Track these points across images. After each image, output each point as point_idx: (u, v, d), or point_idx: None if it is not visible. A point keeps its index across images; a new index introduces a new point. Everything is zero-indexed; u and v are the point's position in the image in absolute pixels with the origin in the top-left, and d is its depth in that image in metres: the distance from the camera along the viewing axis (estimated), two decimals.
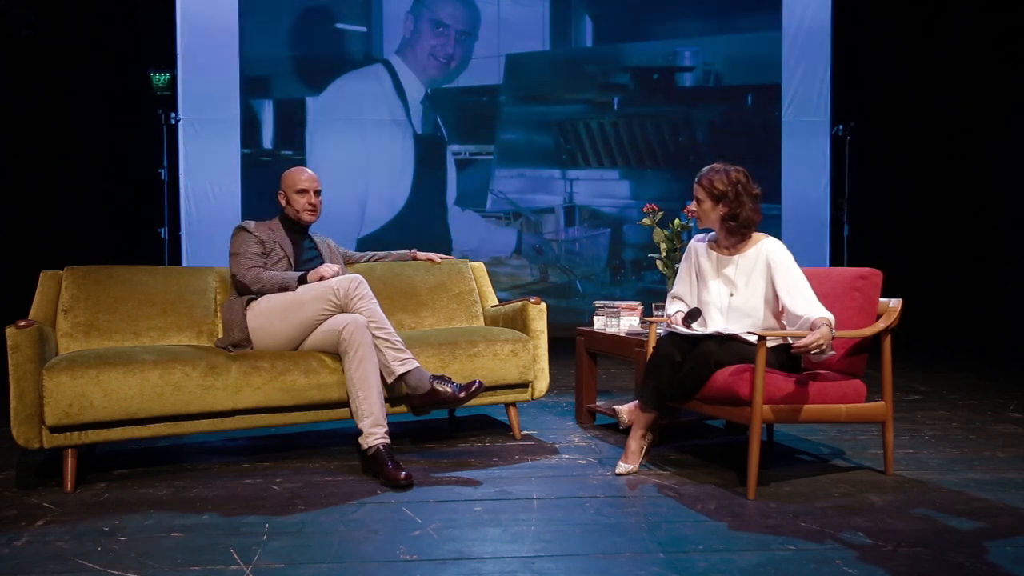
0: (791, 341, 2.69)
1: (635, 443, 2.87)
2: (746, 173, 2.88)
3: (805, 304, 2.70)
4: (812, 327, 2.60)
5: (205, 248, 6.96)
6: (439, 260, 3.77)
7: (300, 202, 3.27)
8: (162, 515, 2.43)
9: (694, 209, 2.94)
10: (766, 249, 2.86)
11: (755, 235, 2.92)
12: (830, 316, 2.65)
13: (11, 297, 4.33)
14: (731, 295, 2.89)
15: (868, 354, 2.83)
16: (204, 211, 7.02)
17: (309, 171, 3.34)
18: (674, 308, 3.04)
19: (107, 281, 3.15)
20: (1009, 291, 7.25)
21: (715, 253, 2.96)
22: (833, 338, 2.60)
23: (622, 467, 2.84)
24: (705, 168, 2.93)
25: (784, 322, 2.81)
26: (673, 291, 3.12)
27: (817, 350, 2.53)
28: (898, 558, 2.08)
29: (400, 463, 2.76)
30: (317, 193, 3.31)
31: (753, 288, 2.86)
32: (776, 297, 2.81)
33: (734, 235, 2.89)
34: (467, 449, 3.23)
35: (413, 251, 3.78)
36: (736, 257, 2.90)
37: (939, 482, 2.76)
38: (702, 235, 3.08)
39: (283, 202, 3.31)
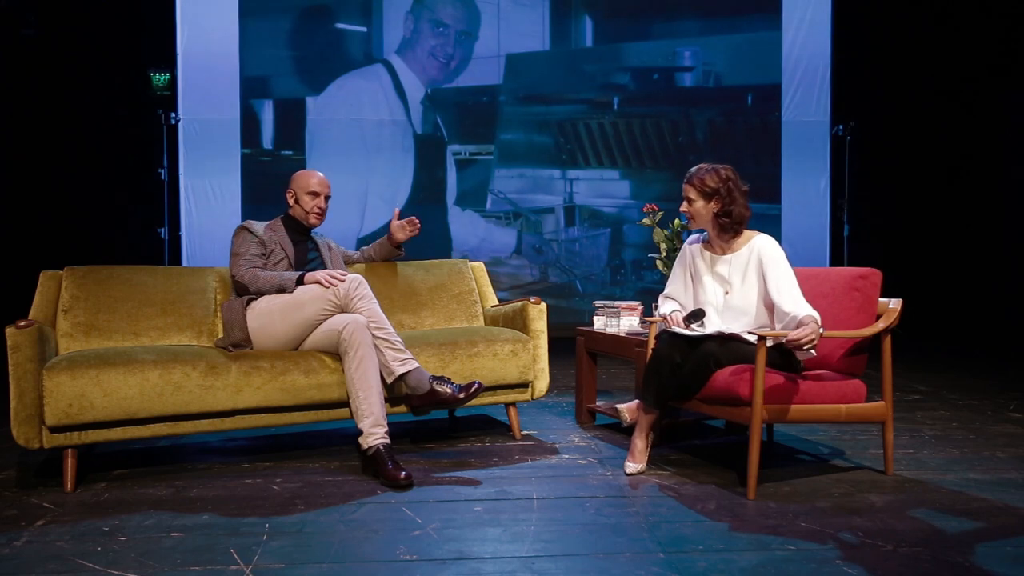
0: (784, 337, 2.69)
1: (640, 442, 2.87)
2: (734, 170, 2.91)
3: (792, 302, 2.71)
4: (799, 325, 2.61)
5: (205, 248, 6.97)
6: (413, 229, 3.56)
7: (310, 204, 3.26)
8: (162, 515, 2.43)
9: (686, 209, 2.94)
10: (758, 246, 2.87)
11: (747, 233, 2.93)
12: (816, 314, 2.66)
13: (11, 297, 4.33)
14: (726, 293, 2.90)
15: (868, 354, 2.83)
16: (204, 211, 7.02)
17: (322, 175, 3.32)
18: (670, 307, 3.03)
19: (107, 281, 3.15)
20: (1009, 291, 7.25)
21: (708, 253, 2.98)
22: (821, 335, 2.61)
23: (630, 467, 2.84)
24: (693, 168, 2.95)
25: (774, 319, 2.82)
26: (666, 291, 3.12)
27: (808, 346, 2.54)
28: (898, 558, 2.08)
29: (400, 463, 2.76)
30: (327, 198, 3.31)
31: (748, 286, 2.86)
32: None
33: (727, 232, 2.90)
34: (467, 449, 3.23)
35: (389, 235, 3.60)
36: (730, 256, 2.92)
37: (939, 482, 2.76)
38: (695, 236, 3.09)
39: (291, 201, 3.30)
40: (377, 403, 2.84)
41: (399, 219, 3.59)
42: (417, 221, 3.58)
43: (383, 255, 3.66)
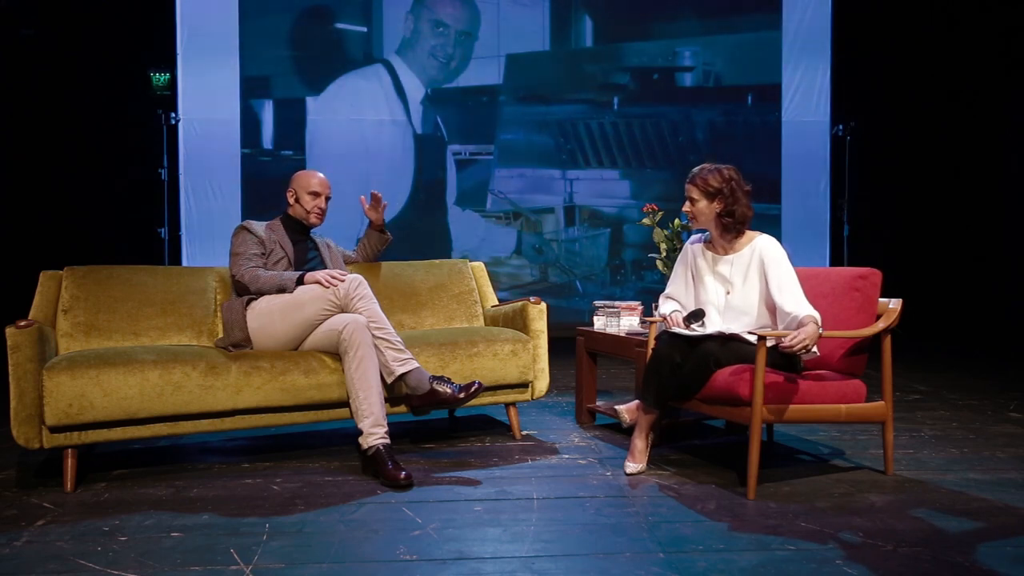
0: (780, 342, 2.69)
1: (640, 442, 2.87)
2: (737, 170, 2.91)
3: (793, 302, 2.72)
4: (799, 325, 2.61)
5: (205, 248, 6.97)
6: (377, 202, 3.51)
7: (311, 204, 3.26)
8: (162, 515, 2.43)
9: (688, 209, 2.94)
10: (760, 246, 2.87)
11: (748, 233, 2.93)
12: (816, 315, 2.66)
13: (11, 297, 4.33)
14: (727, 293, 2.90)
15: (868, 354, 2.83)
16: (204, 211, 7.03)
17: (323, 175, 3.32)
18: (670, 308, 3.03)
19: (107, 281, 3.15)
20: (1009, 291, 7.25)
21: (710, 253, 2.97)
22: (820, 336, 2.61)
23: (630, 467, 2.85)
24: (696, 168, 2.95)
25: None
26: (666, 291, 3.12)
27: (803, 349, 2.54)
28: (898, 558, 2.08)
29: (400, 463, 2.76)
30: (327, 199, 3.31)
31: (750, 286, 2.86)
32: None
33: (729, 232, 2.90)
34: (467, 449, 3.23)
35: (368, 225, 3.58)
36: (731, 256, 2.92)
37: (939, 482, 2.76)
38: (697, 236, 3.09)
39: (291, 200, 3.30)
40: (377, 403, 2.84)
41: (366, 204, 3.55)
42: (377, 193, 3.51)
43: (374, 244, 3.61)
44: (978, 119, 7.37)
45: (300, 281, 3.03)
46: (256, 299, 3.08)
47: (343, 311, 2.97)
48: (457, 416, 3.82)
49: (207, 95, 7.00)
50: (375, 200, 3.52)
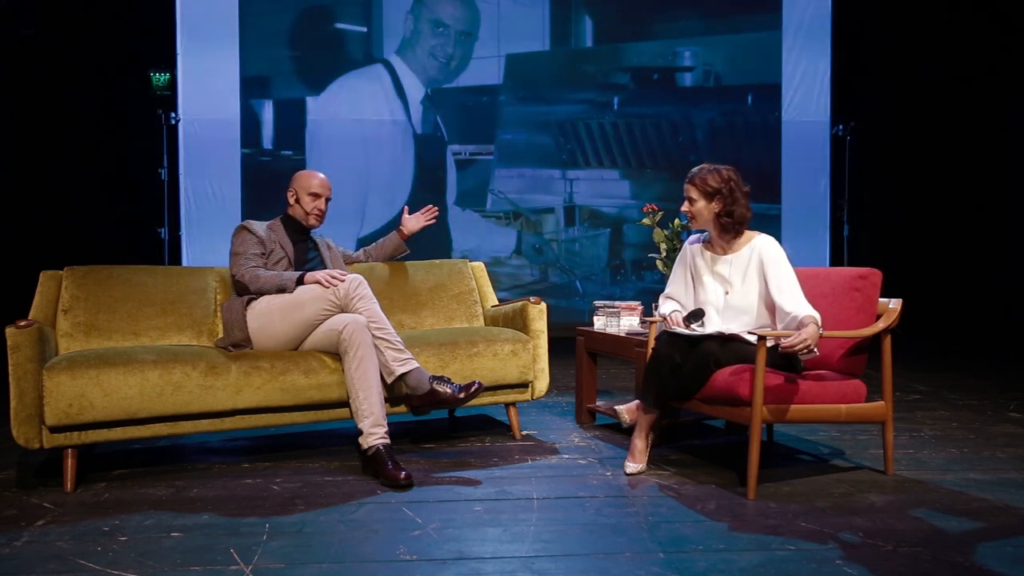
0: (780, 342, 2.69)
1: (640, 442, 2.87)
2: (736, 171, 2.92)
3: (793, 302, 2.72)
4: (800, 325, 2.61)
5: (205, 248, 6.97)
6: (430, 218, 3.65)
7: (310, 205, 3.27)
8: (162, 515, 2.43)
9: (687, 209, 2.95)
10: (759, 246, 2.88)
11: (748, 233, 2.94)
12: (816, 315, 2.66)
13: (11, 297, 4.33)
14: (726, 293, 2.90)
15: (868, 354, 2.83)
16: (204, 211, 7.03)
17: (324, 176, 3.32)
18: (670, 307, 3.03)
19: (107, 281, 3.15)
20: (1009, 291, 7.25)
21: (709, 253, 2.98)
22: (821, 336, 2.61)
23: (630, 467, 2.85)
24: (695, 168, 2.96)
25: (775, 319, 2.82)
26: (666, 291, 3.12)
27: (803, 350, 2.54)
28: (898, 558, 2.08)
29: (400, 463, 2.76)
30: (327, 200, 3.31)
31: (749, 286, 2.87)
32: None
33: (728, 232, 2.90)
34: (467, 449, 3.23)
35: (399, 228, 3.65)
36: (730, 256, 2.92)
37: (939, 482, 2.76)
38: (695, 236, 3.10)
39: (291, 200, 3.30)
40: (377, 403, 2.84)
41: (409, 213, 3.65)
42: (435, 209, 3.65)
43: (389, 251, 3.65)
44: (978, 119, 7.37)
45: (300, 281, 3.03)
46: (256, 299, 3.08)
47: (343, 311, 2.97)
48: (457, 416, 3.82)
49: (207, 95, 7.00)
50: (428, 212, 3.62)
